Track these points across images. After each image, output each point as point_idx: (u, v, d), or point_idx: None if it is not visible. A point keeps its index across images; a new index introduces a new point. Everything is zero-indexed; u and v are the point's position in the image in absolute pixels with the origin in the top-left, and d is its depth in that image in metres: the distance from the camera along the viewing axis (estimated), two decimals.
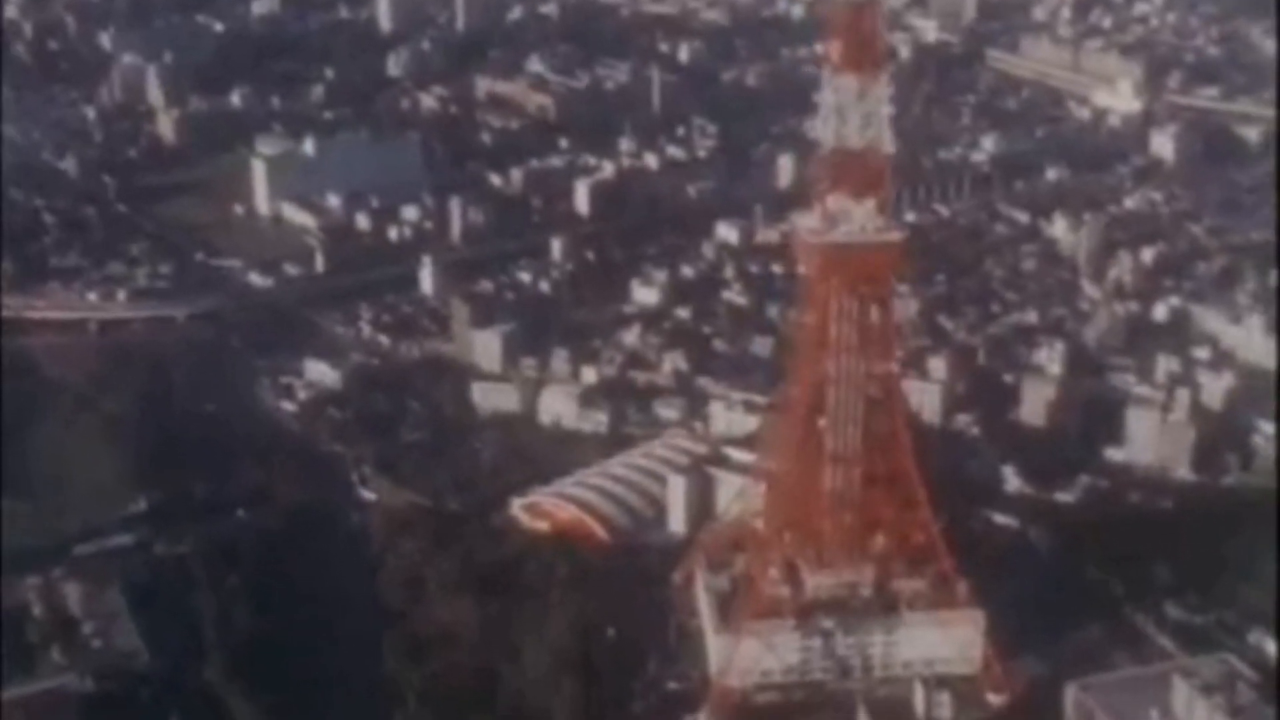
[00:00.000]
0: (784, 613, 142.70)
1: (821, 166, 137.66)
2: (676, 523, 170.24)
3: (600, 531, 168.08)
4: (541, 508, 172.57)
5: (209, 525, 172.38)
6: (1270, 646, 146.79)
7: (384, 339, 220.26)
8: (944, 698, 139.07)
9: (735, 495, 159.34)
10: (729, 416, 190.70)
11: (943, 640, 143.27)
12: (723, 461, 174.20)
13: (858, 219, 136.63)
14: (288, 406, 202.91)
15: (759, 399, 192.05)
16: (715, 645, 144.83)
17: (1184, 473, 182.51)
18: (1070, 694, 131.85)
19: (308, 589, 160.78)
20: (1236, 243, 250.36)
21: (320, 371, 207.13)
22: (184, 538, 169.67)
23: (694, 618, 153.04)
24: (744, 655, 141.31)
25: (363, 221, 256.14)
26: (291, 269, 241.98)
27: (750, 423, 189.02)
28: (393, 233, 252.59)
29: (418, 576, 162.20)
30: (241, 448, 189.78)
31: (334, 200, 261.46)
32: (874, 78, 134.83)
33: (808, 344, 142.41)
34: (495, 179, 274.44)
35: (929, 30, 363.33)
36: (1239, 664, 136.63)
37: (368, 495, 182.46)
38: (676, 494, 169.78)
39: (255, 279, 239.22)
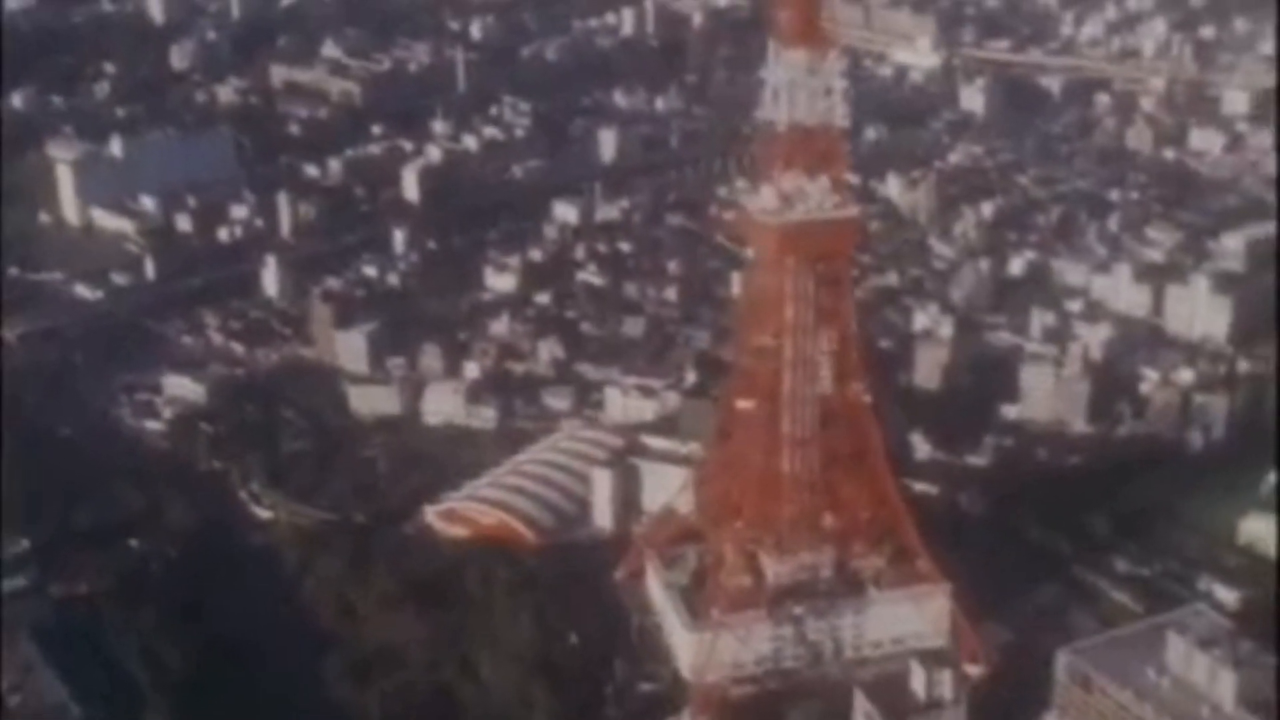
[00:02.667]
0: (756, 603, 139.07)
1: (773, 144, 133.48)
2: (603, 518, 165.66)
3: (526, 533, 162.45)
4: (460, 513, 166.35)
5: (102, 559, 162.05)
6: (1222, 592, 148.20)
7: (238, 346, 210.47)
8: (929, 673, 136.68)
9: (682, 486, 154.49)
10: (625, 403, 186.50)
11: (913, 615, 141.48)
12: (643, 451, 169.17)
13: (814, 197, 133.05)
14: (153, 425, 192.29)
15: (654, 383, 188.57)
16: (684, 642, 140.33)
17: (1080, 426, 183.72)
18: (1062, 659, 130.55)
19: (230, 618, 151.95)
20: (1065, 192, 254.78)
21: (181, 386, 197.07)
22: (81, 574, 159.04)
23: (649, 615, 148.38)
24: (720, 650, 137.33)
25: (184, 223, 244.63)
26: (120, 278, 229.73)
27: (647, 408, 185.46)
28: (222, 233, 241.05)
29: (345, 595, 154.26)
30: (113, 473, 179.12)
31: (148, 202, 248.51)
32: (824, 52, 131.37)
33: (760, 325, 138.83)
34: (311, 170, 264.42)
35: None
36: (1213, 613, 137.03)
37: (262, 513, 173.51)
38: (602, 488, 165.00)
39: (83, 292, 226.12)
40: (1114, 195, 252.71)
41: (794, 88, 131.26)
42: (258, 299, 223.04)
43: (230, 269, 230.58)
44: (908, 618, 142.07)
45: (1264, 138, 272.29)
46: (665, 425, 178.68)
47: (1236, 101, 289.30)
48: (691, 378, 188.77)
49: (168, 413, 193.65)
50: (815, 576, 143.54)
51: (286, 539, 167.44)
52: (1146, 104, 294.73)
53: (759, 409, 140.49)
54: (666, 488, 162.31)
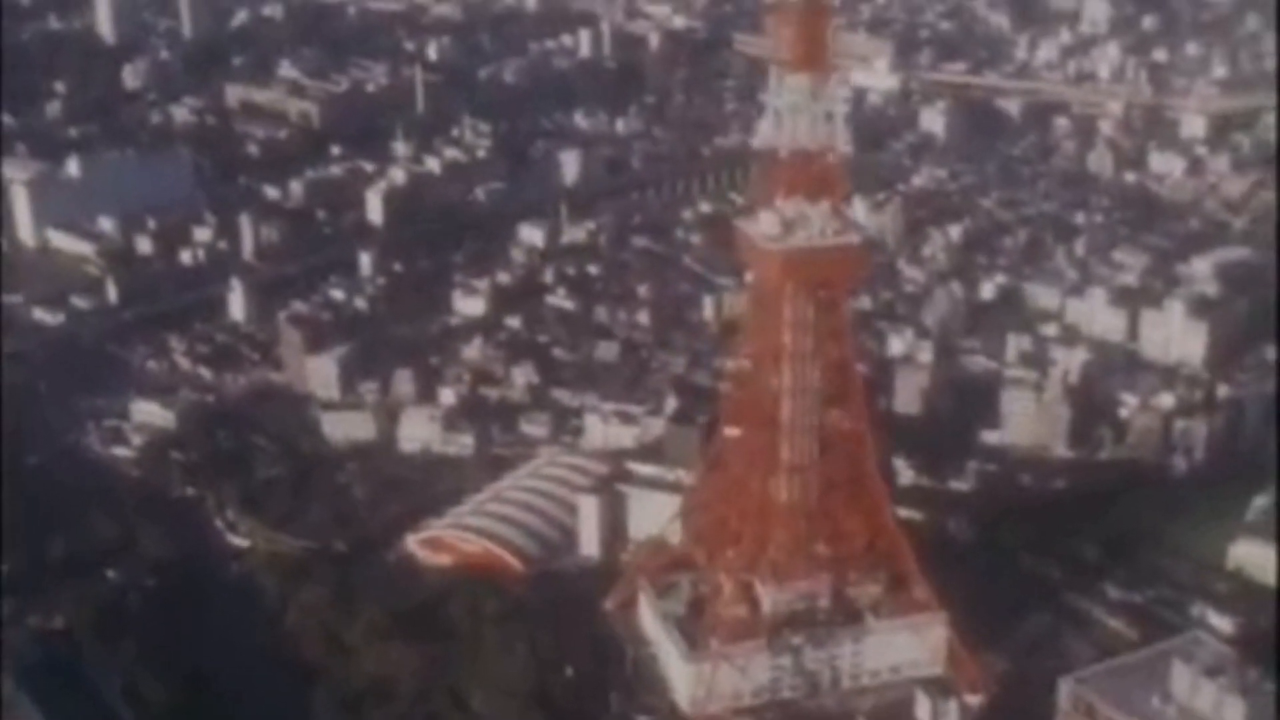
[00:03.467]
0: (755, 633, 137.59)
1: (775, 169, 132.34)
2: (589, 545, 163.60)
3: (512, 562, 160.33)
4: (443, 541, 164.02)
5: (79, 590, 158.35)
6: (1216, 619, 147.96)
7: (205, 371, 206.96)
8: (934, 703, 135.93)
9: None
10: (605, 429, 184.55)
11: (911, 644, 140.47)
12: (629, 478, 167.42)
13: (815, 222, 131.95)
14: (122, 452, 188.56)
15: (634, 409, 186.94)
16: (682, 673, 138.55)
17: (1062, 450, 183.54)
18: (1064, 688, 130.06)
19: (213, 650, 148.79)
20: (1030, 215, 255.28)
21: (149, 411, 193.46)
22: (58, 606, 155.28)
23: (644, 645, 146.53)
24: (719, 681, 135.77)
25: (144, 245, 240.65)
26: (81, 302, 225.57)
27: (628, 435, 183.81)
28: (185, 255, 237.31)
29: (330, 626, 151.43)
30: (84, 501, 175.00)
31: (107, 224, 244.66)
32: (826, 77, 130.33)
33: (758, 351, 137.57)
34: (272, 192, 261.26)
35: (665, 17, 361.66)
36: (1212, 640, 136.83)
37: (239, 541, 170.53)
38: (589, 515, 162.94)
39: (43, 315, 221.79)
40: (1079, 218, 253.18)
41: (796, 112, 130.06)
42: (223, 323, 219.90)
43: (194, 292, 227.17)
44: (906, 646, 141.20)
45: (1222, 161, 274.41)
46: (650, 451, 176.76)
47: (1194, 125, 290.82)
48: (672, 403, 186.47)
49: (137, 439, 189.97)
50: (812, 605, 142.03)
51: (265, 568, 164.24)
52: (1105, 127, 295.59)
53: (756, 436, 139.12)
54: (653, 515, 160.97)
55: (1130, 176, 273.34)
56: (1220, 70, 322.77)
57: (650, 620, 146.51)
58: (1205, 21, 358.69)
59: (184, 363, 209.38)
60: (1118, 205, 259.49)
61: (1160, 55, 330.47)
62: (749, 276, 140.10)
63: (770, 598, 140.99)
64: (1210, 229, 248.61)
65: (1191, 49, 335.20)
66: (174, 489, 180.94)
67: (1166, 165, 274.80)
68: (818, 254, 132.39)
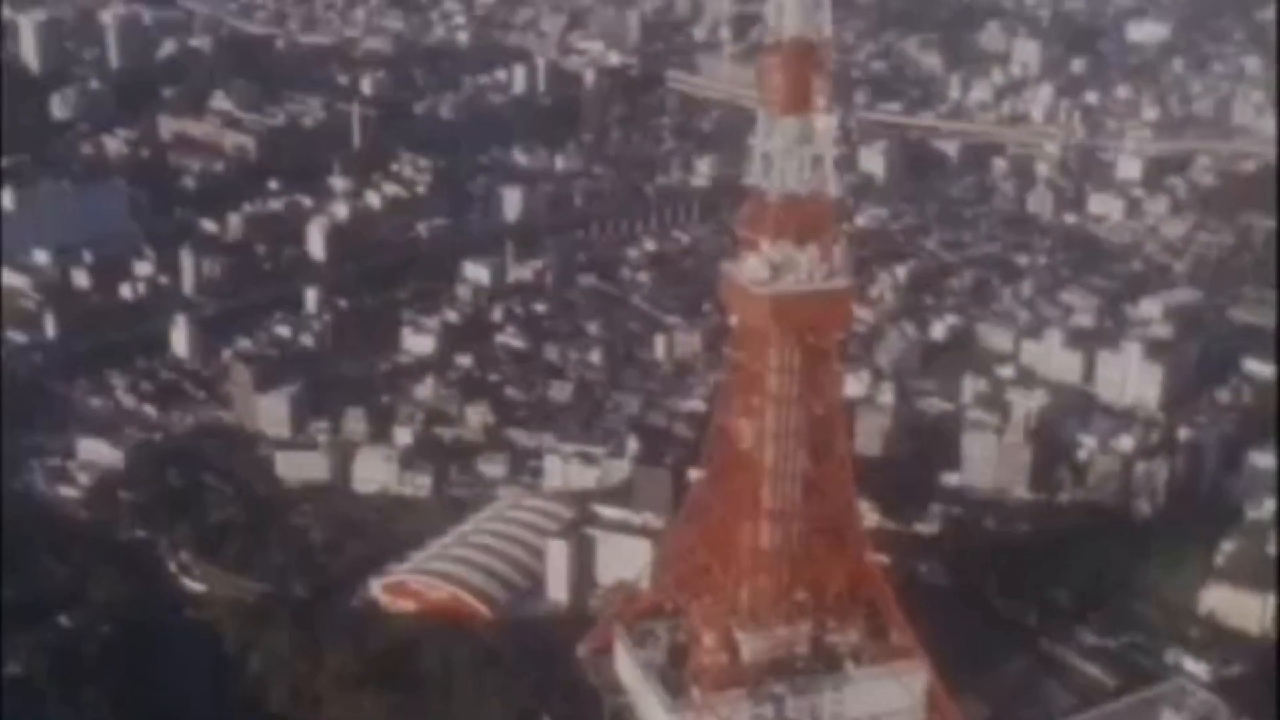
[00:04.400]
0: (740, 682, 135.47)
1: (763, 213, 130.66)
2: (558, 591, 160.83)
3: (480, 608, 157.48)
4: (408, 587, 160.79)
5: (31, 636, 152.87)
6: (1191, 665, 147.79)
7: (150, 409, 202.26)
8: None
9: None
10: (565, 470, 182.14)
11: (893, 691, 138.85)
12: (596, 521, 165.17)
13: (804, 266, 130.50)
14: (69, 492, 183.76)
15: (594, 450, 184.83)
16: None
17: (1022, 493, 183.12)
18: None
19: (175, 699, 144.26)
20: (975, 256, 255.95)
21: (96, 450, 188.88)
22: (13, 654, 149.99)
23: (621, 694, 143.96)
24: None
25: (82, 279, 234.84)
26: (17, 336, 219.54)
27: (589, 476, 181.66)
28: (125, 289, 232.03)
29: (296, 674, 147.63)
30: (31, 543, 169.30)
31: (42, 256, 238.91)
32: (816, 120, 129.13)
33: (743, 396, 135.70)
34: (210, 226, 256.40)
35: (600, 53, 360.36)
36: (1193, 686, 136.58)
37: (195, 585, 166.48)
38: (557, 560, 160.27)
39: None
40: (1023, 260, 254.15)
41: (787, 156, 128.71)
42: (167, 359, 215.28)
43: (135, 327, 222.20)
44: (888, 694, 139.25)
45: (1160, 204, 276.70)
46: (614, 494, 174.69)
47: (1130, 167, 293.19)
48: (633, 445, 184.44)
49: (84, 479, 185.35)
50: (791, 653, 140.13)
51: (225, 614, 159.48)
52: (1043, 168, 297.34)
53: (738, 481, 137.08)
54: (622, 559, 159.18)
55: (1070, 218, 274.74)
56: (1150, 113, 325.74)
57: (628, 668, 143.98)
58: (1133, 65, 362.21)
59: (128, 400, 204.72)
60: (1060, 246, 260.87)
61: (1092, 97, 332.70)
62: (733, 320, 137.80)
63: (749, 645, 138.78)
64: (1153, 271, 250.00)
65: (1121, 92, 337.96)
66: (124, 531, 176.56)
67: (1105, 207, 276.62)
68: (807, 298, 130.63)
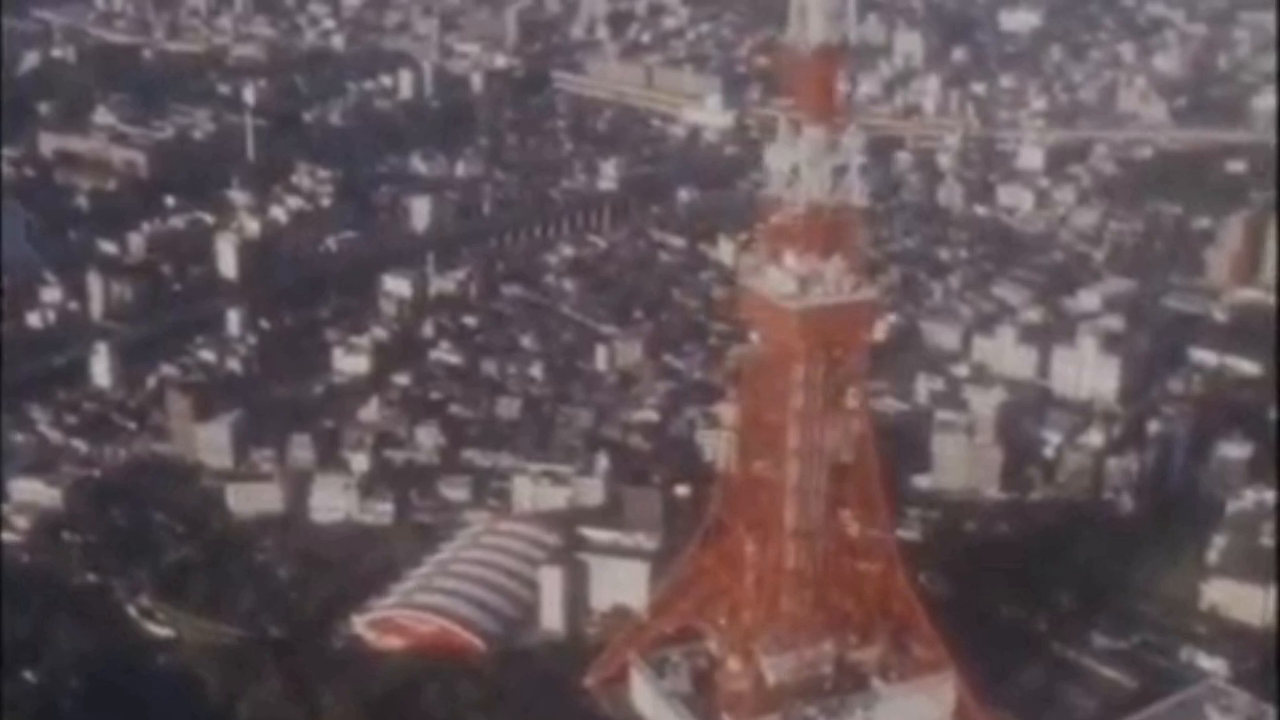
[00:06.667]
0: (773, 707, 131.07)
1: (789, 224, 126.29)
2: (552, 619, 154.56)
3: (473, 641, 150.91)
4: (395, 622, 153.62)
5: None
6: (1207, 662, 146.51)
7: (79, 443, 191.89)
8: None
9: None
10: (534, 491, 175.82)
11: (924, 706, 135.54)
12: (587, 544, 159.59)
13: (830, 279, 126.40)
14: (7, 536, 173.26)
15: (563, 469, 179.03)
16: None
17: (994, 493, 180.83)
18: None
19: None
20: (896, 251, 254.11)
21: (32, 490, 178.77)
22: None
23: None
24: None
25: None
26: None
27: (559, 496, 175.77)
28: (33, 317, 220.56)
29: None
30: None
31: None
32: (842, 129, 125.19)
33: (766, 413, 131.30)
34: (108, 247, 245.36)
35: (480, 56, 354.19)
36: (1226, 685, 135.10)
37: (160, 631, 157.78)
38: (551, 587, 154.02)
39: None
40: (944, 254, 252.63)
41: (813, 167, 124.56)
42: (88, 389, 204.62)
43: (49, 357, 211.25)
44: (919, 709, 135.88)
45: (1068, 193, 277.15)
46: (593, 515, 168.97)
47: (1031, 157, 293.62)
48: (603, 462, 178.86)
49: (21, 521, 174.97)
50: (817, 673, 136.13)
51: (199, 660, 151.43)
52: (944, 161, 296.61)
53: (762, 500, 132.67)
54: (618, 584, 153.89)
55: (982, 210, 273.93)
56: (1038, 103, 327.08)
57: (648, 698, 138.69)
58: (1010, 54, 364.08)
59: (54, 435, 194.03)
60: (977, 239, 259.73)
61: (979, 88, 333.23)
62: (755, 336, 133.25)
63: (775, 668, 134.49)
64: (1073, 261, 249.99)
65: (1005, 81, 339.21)
66: (75, 575, 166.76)
67: (1015, 198, 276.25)
68: (835, 311, 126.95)
